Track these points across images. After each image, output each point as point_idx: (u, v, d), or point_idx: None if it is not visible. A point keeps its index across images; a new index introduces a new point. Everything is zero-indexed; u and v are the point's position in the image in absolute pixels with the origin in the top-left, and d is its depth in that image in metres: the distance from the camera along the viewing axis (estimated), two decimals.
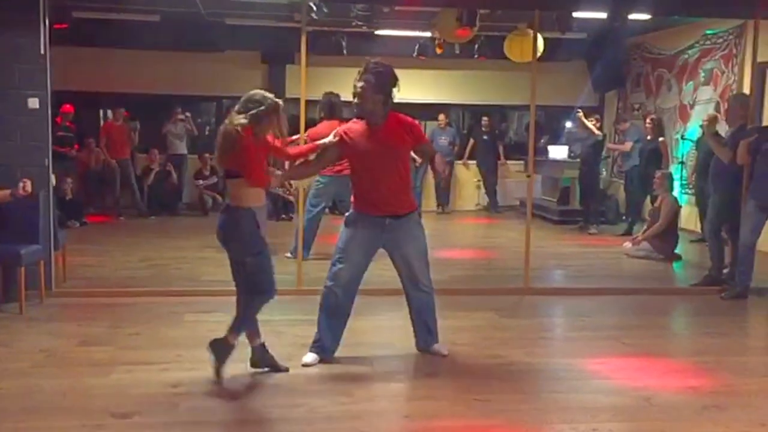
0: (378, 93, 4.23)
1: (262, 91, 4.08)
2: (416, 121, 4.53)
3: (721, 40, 9.66)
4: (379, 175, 4.27)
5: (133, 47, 10.80)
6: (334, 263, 4.36)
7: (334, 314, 4.38)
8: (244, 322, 4.10)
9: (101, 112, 12.43)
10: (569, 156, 11.43)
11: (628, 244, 8.52)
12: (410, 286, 4.50)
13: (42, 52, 5.77)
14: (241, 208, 4.01)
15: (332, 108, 7.41)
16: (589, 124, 10.11)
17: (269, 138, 4.09)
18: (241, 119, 3.92)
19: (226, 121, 4.00)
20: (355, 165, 4.41)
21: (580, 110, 10.29)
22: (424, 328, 4.58)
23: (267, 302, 4.11)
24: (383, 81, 4.24)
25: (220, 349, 4.01)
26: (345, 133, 4.37)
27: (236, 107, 4.02)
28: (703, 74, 10.05)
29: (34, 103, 5.79)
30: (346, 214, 4.46)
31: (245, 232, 4.00)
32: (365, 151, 4.28)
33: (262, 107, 3.96)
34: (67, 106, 10.22)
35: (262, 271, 4.07)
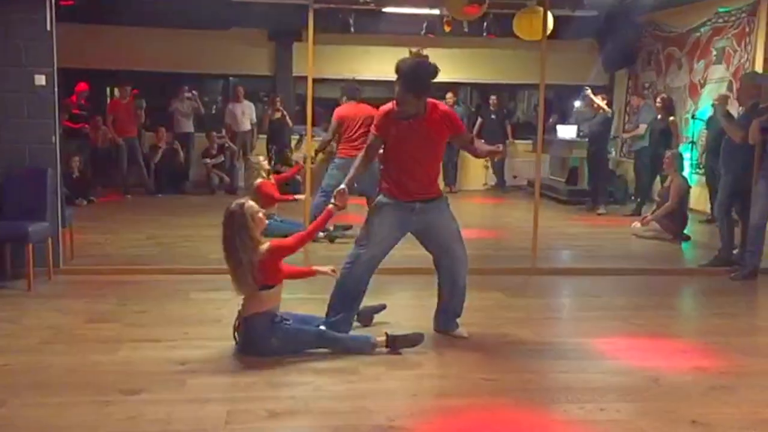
0: (417, 94, 4.14)
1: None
2: (453, 110, 4.51)
3: (733, 17, 9.53)
4: (417, 164, 4.27)
5: (139, 25, 10.77)
6: (360, 245, 4.32)
7: (351, 296, 4.35)
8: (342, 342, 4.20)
9: (108, 89, 12.42)
10: (578, 135, 11.36)
11: (637, 224, 8.47)
12: (445, 263, 4.44)
13: (48, 28, 5.74)
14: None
15: (353, 94, 7.69)
16: (598, 100, 10.02)
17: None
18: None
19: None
20: (393, 152, 4.31)
21: (588, 88, 10.20)
22: (452, 315, 4.55)
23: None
24: (417, 79, 4.14)
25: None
26: (387, 118, 4.27)
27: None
28: (715, 53, 9.93)
29: (40, 80, 5.77)
30: (378, 198, 4.39)
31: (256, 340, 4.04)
32: (406, 141, 4.22)
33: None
34: (83, 84, 10.20)
35: (300, 337, 4.13)
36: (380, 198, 4.37)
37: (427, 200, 4.32)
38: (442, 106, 4.38)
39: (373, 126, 4.40)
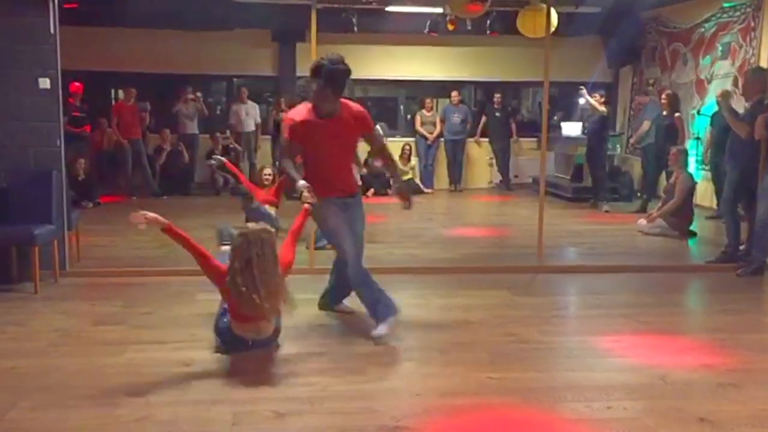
0: (335, 92, 4.34)
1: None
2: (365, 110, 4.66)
3: (738, 13, 9.50)
4: (336, 161, 4.52)
5: (143, 26, 10.79)
6: (338, 243, 4.50)
7: (372, 282, 4.50)
8: None
9: (112, 92, 12.45)
10: (583, 133, 11.34)
11: (642, 221, 8.45)
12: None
13: (52, 31, 5.75)
14: None
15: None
16: (592, 100, 9.99)
17: None
18: None
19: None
20: (313, 152, 4.50)
21: (583, 87, 10.18)
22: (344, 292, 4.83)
23: None
24: (335, 78, 4.29)
25: None
26: (301, 123, 4.45)
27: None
28: (720, 48, 9.90)
29: (45, 83, 5.78)
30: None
31: None
32: (325, 139, 4.43)
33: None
34: (75, 84, 10.21)
35: None
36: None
37: (353, 195, 4.61)
38: (355, 105, 4.53)
39: (287, 134, 4.45)
